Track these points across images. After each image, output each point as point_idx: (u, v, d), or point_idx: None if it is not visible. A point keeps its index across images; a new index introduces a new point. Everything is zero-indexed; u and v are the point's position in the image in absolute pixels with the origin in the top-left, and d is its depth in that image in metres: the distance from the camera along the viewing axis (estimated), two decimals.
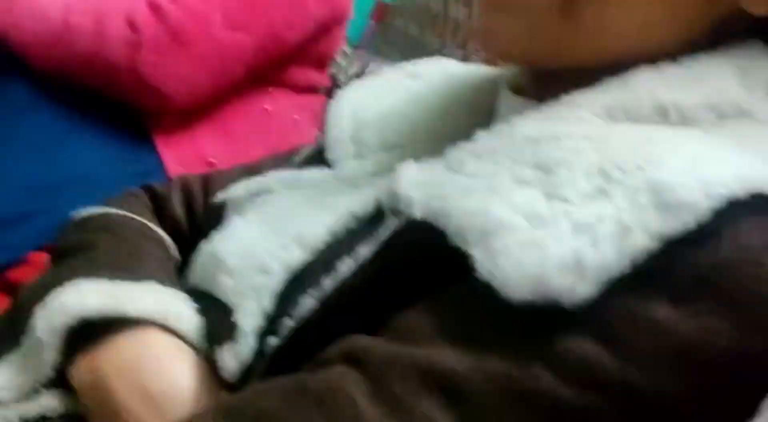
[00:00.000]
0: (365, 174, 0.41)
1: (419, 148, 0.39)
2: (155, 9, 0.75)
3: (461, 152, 0.33)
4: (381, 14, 1.75)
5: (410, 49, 1.57)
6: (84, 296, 0.37)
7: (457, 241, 0.27)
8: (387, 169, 0.37)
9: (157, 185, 0.52)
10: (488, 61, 0.49)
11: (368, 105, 0.45)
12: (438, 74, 0.46)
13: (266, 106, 0.90)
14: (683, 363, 0.24)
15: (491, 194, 0.28)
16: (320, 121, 0.49)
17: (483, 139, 0.33)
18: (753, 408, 0.25)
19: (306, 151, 0.49)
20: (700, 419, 0.25)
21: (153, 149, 0.83)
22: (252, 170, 0.49)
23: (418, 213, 0.30)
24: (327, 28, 0.91)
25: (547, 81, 0.36)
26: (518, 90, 0.39)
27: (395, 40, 1.65)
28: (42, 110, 0.77)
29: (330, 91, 1.09)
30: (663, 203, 0.24)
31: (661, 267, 0.25)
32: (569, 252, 0.24)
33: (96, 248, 0.42)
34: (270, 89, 0.91)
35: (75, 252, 0.43)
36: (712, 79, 0.32)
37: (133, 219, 0.46)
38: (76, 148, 0.78)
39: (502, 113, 0.39)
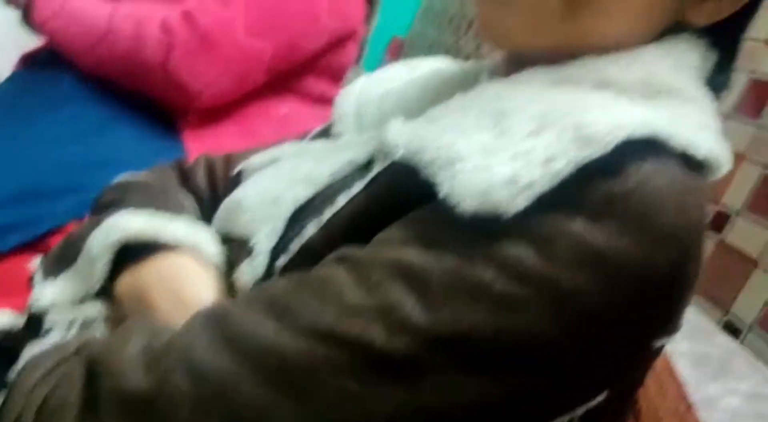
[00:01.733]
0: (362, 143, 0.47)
1: None
2: (187, 16, 0.85)
3: (440, 108, 0.40)
4: (396, 50, 1.89)
5: None
6: (131, 221, 0.45)
7: (428, 171, 0.34)
8: None
9: (184, 161, 0.60)
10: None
11: (372, 89, 0.52)
12: (433, 65, 0.54)
13: (285, 111, 0.98)
14: (594, 266, 0.30)
15: (457, 135, 0.35)
16: None
17: (458, 98, 0.40)
18: (655, 311, 0.32)
19: (315, 131, 0.57)
20: (610, 313, 0.31)
21: (181, 143, 0.91)
22: (267, 148, 0.56)
23: (400, 152, 0.36)
24: (340, 41, 1.00)
25: (523, 63, 0.41)
26: (495, 73, 0.46)
27: None
28: (84, 102, 0.87)
29: None
30: (580, 137, 0.31)
31: (579, 190, 0.31)
32: (509, 173, 0.31)
33: (133, 195, 0.50)
34: (289, 96, 1.00)
35: (114, 203, 0.50)
36: (649, 60, 0.39)
37: (163, 179, 0.55)
38: (111, 136, 0.87)
39: None
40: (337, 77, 1.06)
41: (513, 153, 0.32)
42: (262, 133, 0.95)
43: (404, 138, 0.37)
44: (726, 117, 0.87)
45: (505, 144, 0.33)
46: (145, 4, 0.90)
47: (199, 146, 0.90)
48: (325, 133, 0.53)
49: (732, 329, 0.72)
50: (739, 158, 0.78)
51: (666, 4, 0.40)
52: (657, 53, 0.40)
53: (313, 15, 0.93)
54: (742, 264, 0.73)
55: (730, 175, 0.80)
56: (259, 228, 0.42)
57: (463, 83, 0.48)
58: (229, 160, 0.59)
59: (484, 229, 0.31)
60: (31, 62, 1.00)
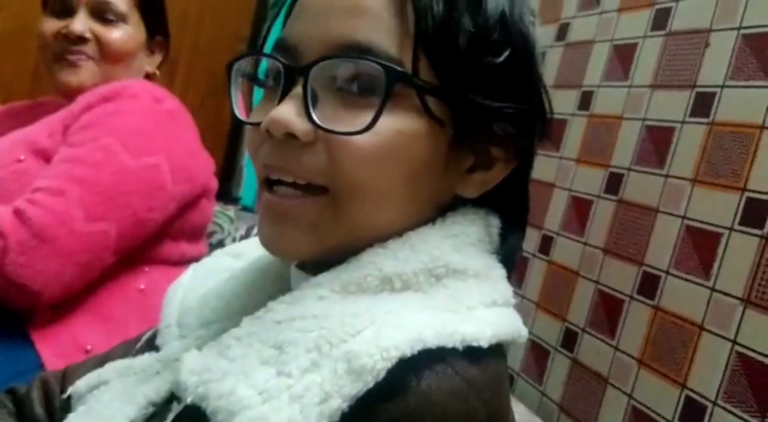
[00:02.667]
0: (186, 351, 0.46)
1: (233, 321, 0.44)
2: (18, 214, 0.81)
3: (229, 337, 0.39)
4: None
5: None
6: None
7: (214, 421, 0.34)
8: (205, 344, 0.43)
9: (20, 387, 0.58)
10: None
11: (195, 288, 0.52)
12: (256, 251, 0.53)
13: (141, 286, 0.94)
14: None
15: (240, 375, 0.35)
16: None
17: (246, 324, 0.40)
18: None
19: (146, 336, 0.55)
20: None
21: (30, 346, 0.85)
22: (102, 360, 0.55)
23: (189, 397, 0.36)
24: (193, 202, 0.99)
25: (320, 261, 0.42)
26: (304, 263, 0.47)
27: None
28: None
29: None
30: (352, 370, 0.32)
31: (360, 421, 0.31)
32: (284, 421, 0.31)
33: None
34: (146, 268, 0.96)
35: None
36: (428, 248, 0.41)
37: None
38: None
39: (293, 285, 0.45)
40: (196, 235, 1.04)
41: (291, 394, 0.32)
42: (118, 314, 0.91)
43: (194, 379, 0.37)
44: (556, 234, 0.92)
45: (284, 383, 0.33)
46: None
47: (51, 345, 0.85)
48: (154, 341, 0.52)
49: None
50: (573, 275, 0.82)
51: (431, 186, 0.42)
52: (436, 236, 0.41)
53: (156, 186, 0.90)
54: (597, 382, 0.76)
55: (569, 295, 0.84)
56: None
57: (281, 270, 0.49)
58: (64, 378, 0.57)
59: None
60: None
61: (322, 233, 0.40)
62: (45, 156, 0.92)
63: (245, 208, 1.53)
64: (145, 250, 0.95)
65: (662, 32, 0.83)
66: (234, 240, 1.22)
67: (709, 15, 0.77)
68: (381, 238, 0.41)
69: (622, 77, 0.86)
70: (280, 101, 0.39)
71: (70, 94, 0.99)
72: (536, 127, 0.43)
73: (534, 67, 0.44)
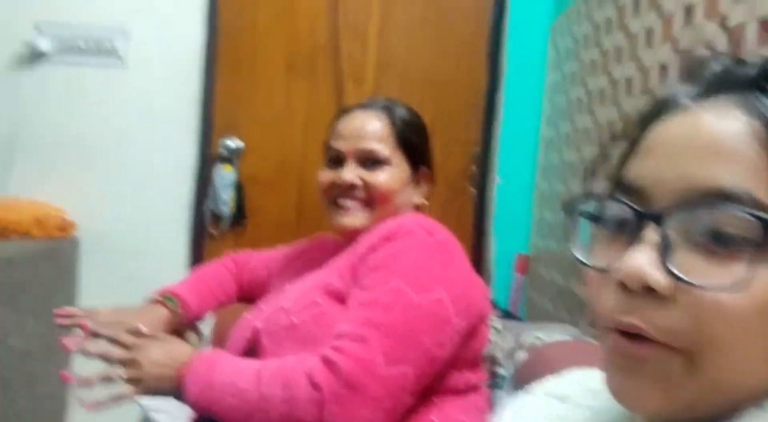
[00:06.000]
0: None
1: None
2: (329, 364, 0.86)
3: None
4: (523, 266, 1.80)
5: (558, 297, 1.55)
6: None
7: None
8: None
9: None
10: None
11: None
12: (583, 396, 0.51)
13: (432, 417, 0.95)
14: None
15: None
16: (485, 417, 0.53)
17: None
18: None
19: None
20: None
21: None
22: None
23: None
24: (472, 331, 0.99)
25: None
26: None
27: (542, 290, 1.65)
28: None
29: (491, 376, 1.12)
30: None
31: None
32: None
33: None
34: (434, 399, 0.97)
35: None
36: None
37: None
38: None
39: None
40: (477, 362, 1.03)
41: None
42: None
43: None
44: None
45: None
46: (286, 357, 0.92)
47: None
48: None
49: None
50: None
51: None
52: None
53: (442, 320, 0.92)
54: None
55: None
56: None
57: None
58: None
59: None
60: None
61: (674, 391, 0.37)
62: (338, 297, 0.99)
63: (504, 313, 1.49)
64: (432, 382, 0.96)
65: None
66: (503, 352, 1.18)
67: None
68: (750, 397, 0.37)
69: None
70: (630, 248, 0.38)
71: (346, 234, 1.08)
72: None
73: None
